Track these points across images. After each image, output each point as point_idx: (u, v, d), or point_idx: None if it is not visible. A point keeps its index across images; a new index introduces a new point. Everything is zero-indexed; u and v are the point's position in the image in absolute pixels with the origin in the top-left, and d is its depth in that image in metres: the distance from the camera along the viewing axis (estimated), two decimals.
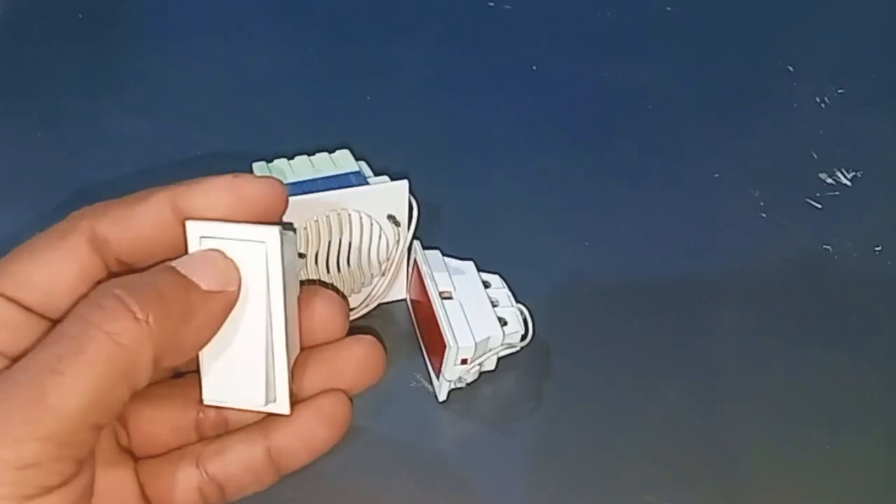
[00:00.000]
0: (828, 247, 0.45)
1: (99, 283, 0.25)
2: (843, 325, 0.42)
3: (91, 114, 0.50)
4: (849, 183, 0.48)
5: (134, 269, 0.26)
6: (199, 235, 0.26)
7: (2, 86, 0.52)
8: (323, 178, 0.38)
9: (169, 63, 0.54)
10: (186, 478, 0.28)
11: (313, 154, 0.40)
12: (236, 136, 0.48)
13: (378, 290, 0.39)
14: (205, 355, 0.27)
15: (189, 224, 0.26)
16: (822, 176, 0.49)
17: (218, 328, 0.26)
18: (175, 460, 0.29)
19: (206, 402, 0.28)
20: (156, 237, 0.26)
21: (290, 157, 0.40)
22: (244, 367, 0.27)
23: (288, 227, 0.28)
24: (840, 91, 0.54)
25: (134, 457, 0.29)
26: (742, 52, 0.57)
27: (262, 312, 0.26)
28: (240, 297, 0.26)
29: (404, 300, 0.41)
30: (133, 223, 0.26)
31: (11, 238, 0.43)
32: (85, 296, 0.25)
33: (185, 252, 0.26)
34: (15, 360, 0.24)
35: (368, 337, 0.30)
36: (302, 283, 0.30)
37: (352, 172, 0.39)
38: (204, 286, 0.25)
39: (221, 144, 0.48)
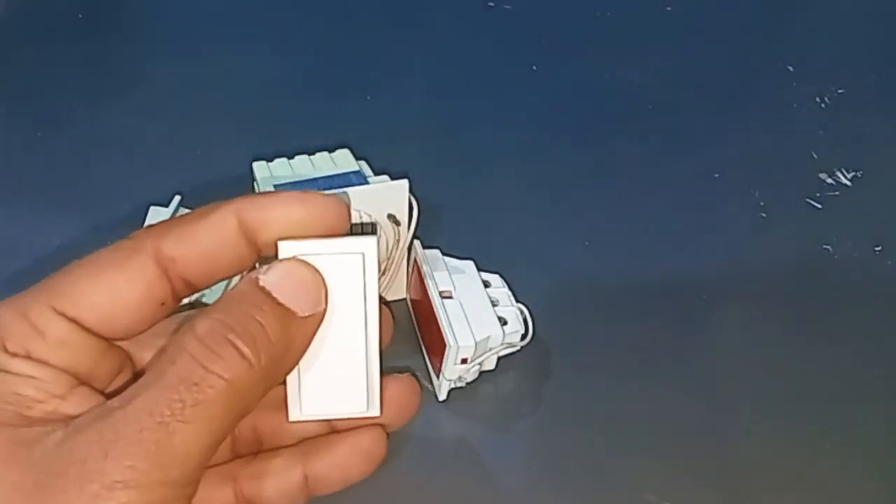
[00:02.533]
0: (828, 247, 0.45)
1: (163, 304, 0.25)
2: (843, 325, 0.42)
3: (91, 114, 0.50)
4: (849, 183, 0.48)
5: (197, 288, 0.26)
6: (293, 255, 0.26)
7: (2, 86, 0.52)
8: (323, 178, 0.38)
9: (169, 63, 0.54)
10: (221, 497, 0.29)
11: (313, 154, 0.41)
12: (236, 136, 0.48)
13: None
14: (300, 371, 0.27)
15: (282, 244, 0.26)
16: (822, 176, 0.49)
17: (307, 348, 0.26)
18: (212, 479, 0.29)
19: (298, 419, 0.27)
20: (221, 254, 0.26)
21: (291, 157, 0.40)
22: (343, 377, 0.27)
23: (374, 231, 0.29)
24: (840, 91, 0.54)
25: None
26: (742, 52, 0.57)
27: (360, 323, 0.26)
28: (338, 308, 0.26)
29: (404, 299, 0.41)
30: (197, 239, 0.25)
31: (12, 238, 0.44)
32: (190, 326, 0.24)
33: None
34: (75, 377, 0.24)
35: (406, 376, 0.30)
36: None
37: (352, 172, 0.39)
38: (300, 313, 0.25)
39: (221, 144, 0.48)
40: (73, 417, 0.23)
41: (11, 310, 0.24)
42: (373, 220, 0.37)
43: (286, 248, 0.26)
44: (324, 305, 0.26)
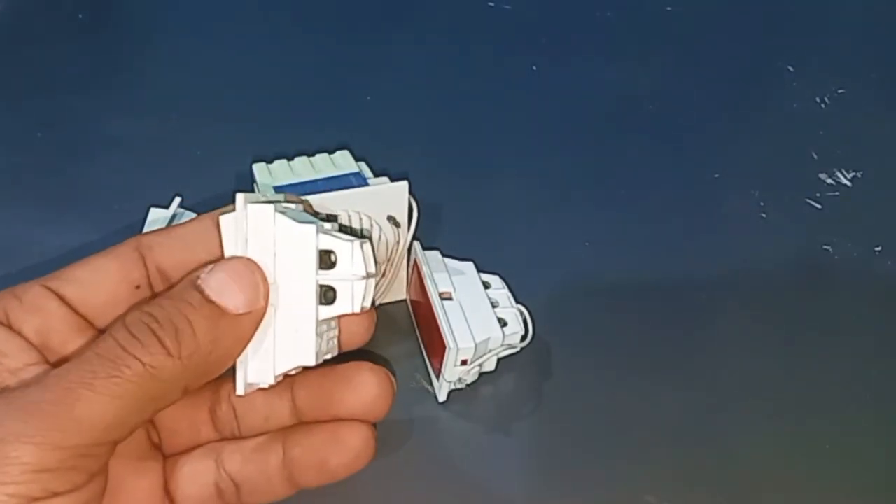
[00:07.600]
0: (828, 247, 0.45)
1: (138, 288, 0.27)
2: (843, 326, 0.42)
3: (91, 114, 0.50)
4: (849, 183, 0.48)
5: (170, 278, 0.27)
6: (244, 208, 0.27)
7: (2, 86, 0.52)
8: (323, 179, 0.38)
9: (169, 63, 0.54)
10: (205, 472, 0.29)
11: (313, 154, 0.40)
12: (236, 136, 0.48)
13: (378, 290, 0.39)
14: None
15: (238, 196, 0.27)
16: (822, 176, 0.49)
17: (247, 344, 0.26)
18: (197, 455, 0.30)
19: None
20: (195, 240, 0.27)
21: (290, 158, 0.40)
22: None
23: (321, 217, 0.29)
24: (840, 91, 0.54)
25: (163, 454, 0.30)
26: (742, 52, 0.57)
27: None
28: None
29: (404, 301, 0.41)
30: (178, 234, 0.28)
31: (12, 238, 0.44)
32: (121, 316, 0.25)
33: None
34: (42, 352, 0.25)
35: (381, 370, 0.30)
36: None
37: (352, 173, 0.39)
38: (233, 310, 0.25)
39: (221, 144, 0.48)
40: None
41: (9, 289, 0.26)
42: (363, 227, 0.36)
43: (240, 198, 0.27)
44: (263, 303, 0.26)
